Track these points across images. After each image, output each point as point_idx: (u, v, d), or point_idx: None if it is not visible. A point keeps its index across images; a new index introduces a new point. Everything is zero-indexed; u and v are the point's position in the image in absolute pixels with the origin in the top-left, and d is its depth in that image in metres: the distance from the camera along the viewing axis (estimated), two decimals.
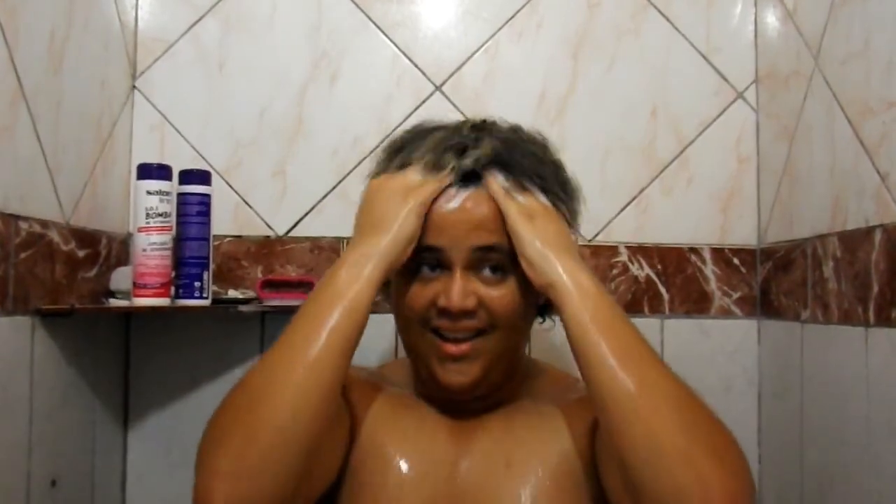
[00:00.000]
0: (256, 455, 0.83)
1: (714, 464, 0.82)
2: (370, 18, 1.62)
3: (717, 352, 1.61)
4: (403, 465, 1.03)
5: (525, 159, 1.03)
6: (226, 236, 1.58)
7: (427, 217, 0.99)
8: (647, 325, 1.60)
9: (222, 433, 0.86)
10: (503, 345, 1.03)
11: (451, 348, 1.01)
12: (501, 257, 1.01)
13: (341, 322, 0.91)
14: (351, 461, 1.05)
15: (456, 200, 1.00)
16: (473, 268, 1.01)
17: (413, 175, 1.00)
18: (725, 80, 1.63)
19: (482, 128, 1.08)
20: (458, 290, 0.99)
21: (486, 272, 1.02)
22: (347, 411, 1.04)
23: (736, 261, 1.61)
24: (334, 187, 1.60)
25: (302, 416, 0.85)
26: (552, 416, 1.07)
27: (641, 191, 1.62)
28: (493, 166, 1.01)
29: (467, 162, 1.00)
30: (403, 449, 1.05)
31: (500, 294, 1.01)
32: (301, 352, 0.89)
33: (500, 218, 0.99)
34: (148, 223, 1.31)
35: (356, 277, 0.93)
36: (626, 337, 0.90)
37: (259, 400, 0.86)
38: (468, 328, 1.01)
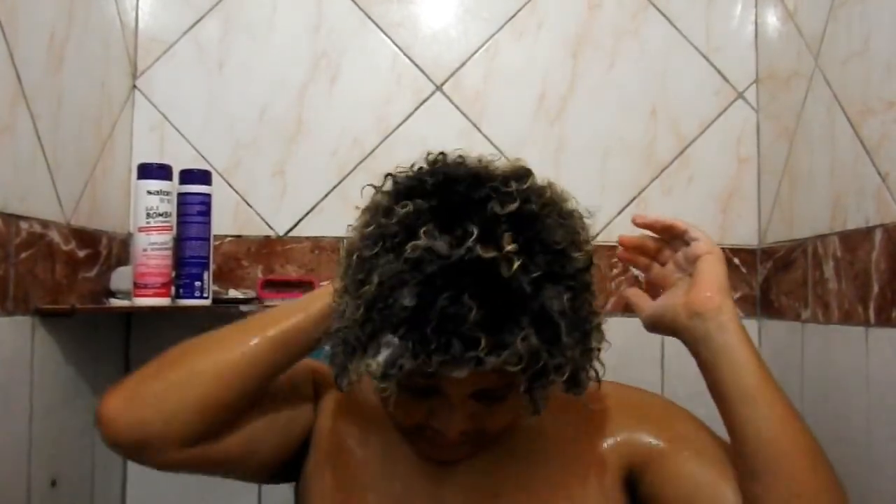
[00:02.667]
0: (164, 384, 0.90)
1: None
2: (370, 18, 1.62)
3: None
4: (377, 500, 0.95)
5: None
6: (226, 236, 1.58)
7: None
8: None
9: (145, 366, 0.93)
10: (497, 435, 0.92)
11: (442, 456, 0.93)
12: (504, 389, 0.84)
13: (295, 322, 0.93)
14: (316, 472, 0.99)
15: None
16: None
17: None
18: (726, 80, 1.63)
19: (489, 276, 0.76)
20: (457, 422, 0.85)
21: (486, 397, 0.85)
22: (312, 411, 1.00)
23: (736, 261, 1.61)
24: (334, 187, 1.60)
25: (223, 374, 0.90)
26: (543, 441, 0.97)
27: (641, 191, 1.62)
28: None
29: (462, 374, 0.76)
30: (377, 484, 0.96)
31: (501, 413, 0.88)
32: (242, 329, 0.95)
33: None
34: (148, 223, 1.31)
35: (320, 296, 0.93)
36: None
37: (190, 350, 0.94)
38: (463, 443, 0.88)
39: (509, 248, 0.75)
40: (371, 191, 0.86)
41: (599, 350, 0.87)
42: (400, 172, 0.85)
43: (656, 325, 0.97)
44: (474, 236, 0.75)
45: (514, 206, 0.78)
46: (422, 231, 0.76)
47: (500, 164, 0.85)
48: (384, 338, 0.76)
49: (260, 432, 0.95)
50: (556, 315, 0.77)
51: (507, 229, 0.77)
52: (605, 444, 0.97)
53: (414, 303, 0.74)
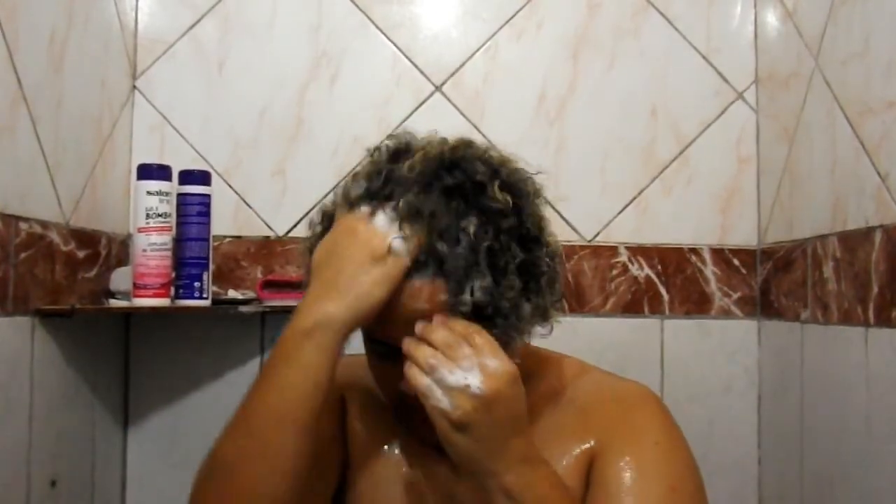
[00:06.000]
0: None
1: None
2: (370, 19, 1.62)
3: (718, 352, 1.61)
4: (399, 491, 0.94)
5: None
6: (225, 237, 1.58)
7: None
8: (647, 325, 1.60)
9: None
10: None
11: (431, 437, 0.88)
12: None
13: (306, 402, 0.82)
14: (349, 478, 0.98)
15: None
16: None
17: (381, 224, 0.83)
18: (725, 80, 1.63)
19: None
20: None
21: None
22: (340, 431, 0.98)
23: (736, 261, 1.61)
24: (334, 187, 1.59)
25: (275, 481, 0.82)
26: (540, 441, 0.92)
27: (641, 191, 1.62)
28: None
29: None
30: (398, 473, 0.95)
31: None
32: (265, 428, 0.83)
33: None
34: (148, 223, 1.31)
35: (315, 349, 0.82)
36: None
37: (232, 471, 0.84)
38: None
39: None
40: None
41: (549, 307, 0.86)
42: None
43: None
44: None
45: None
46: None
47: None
48: None
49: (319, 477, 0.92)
50: (470, 241, 0.80)
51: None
52: (591, 442, 0.91)
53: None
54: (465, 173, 0.84)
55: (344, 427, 0.99)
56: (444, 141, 0.88)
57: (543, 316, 0.87)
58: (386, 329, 0.84)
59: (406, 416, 0.91)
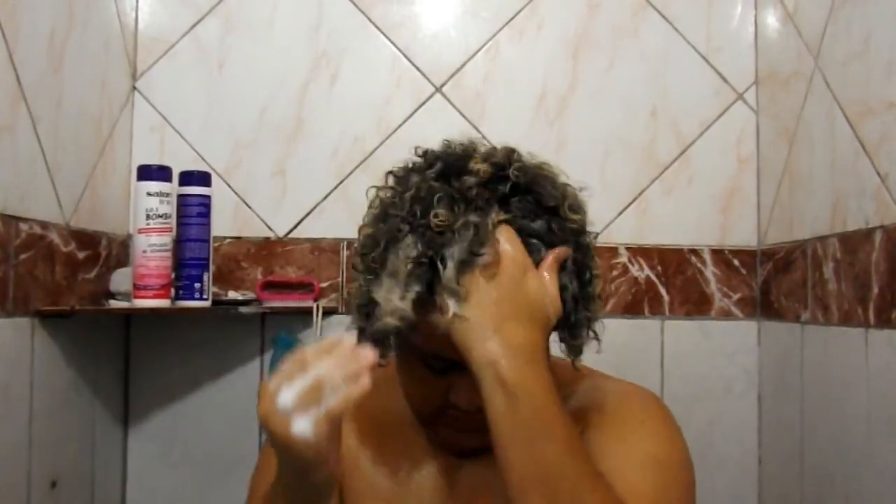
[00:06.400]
0: None
1: None
2: (370, 19, 1.62)
3: (718, 353, 1.60)
4: None
5: None
6: (226, 237, 1.58)
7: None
8: (647, 326, 1.60)
9: None
10: None
11: (462, 443, 0.91)
12: None
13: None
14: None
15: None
16: None
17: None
18: (725, 80, 1.63)
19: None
20: (476, 396, 0.82)
21: None
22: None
23: (736, 262, 1.61)
24: (334, 188, 1.60)
25: None
26: None
27: (642, 192, 1.62)
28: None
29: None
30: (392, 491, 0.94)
31: None
32: None
33: None
34: (148, 224, 1.31)
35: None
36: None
37: None
38: (483, 424, 0.84)
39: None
40: (374, 191, 0.88)
41: (594, 318, 0.90)
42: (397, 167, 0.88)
43: None
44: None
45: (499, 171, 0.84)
46: (435, 199, 0.81)
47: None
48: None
49: None
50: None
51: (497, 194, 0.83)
52: (581, 428, 0.89)
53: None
54: (536, 198, 0.85)
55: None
56: (491, 153, 0.87)
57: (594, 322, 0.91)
58: (450, 346, 0.82)
59: (436, 428, 0.91)
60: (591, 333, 0.90)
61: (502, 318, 0.80)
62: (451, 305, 0.79)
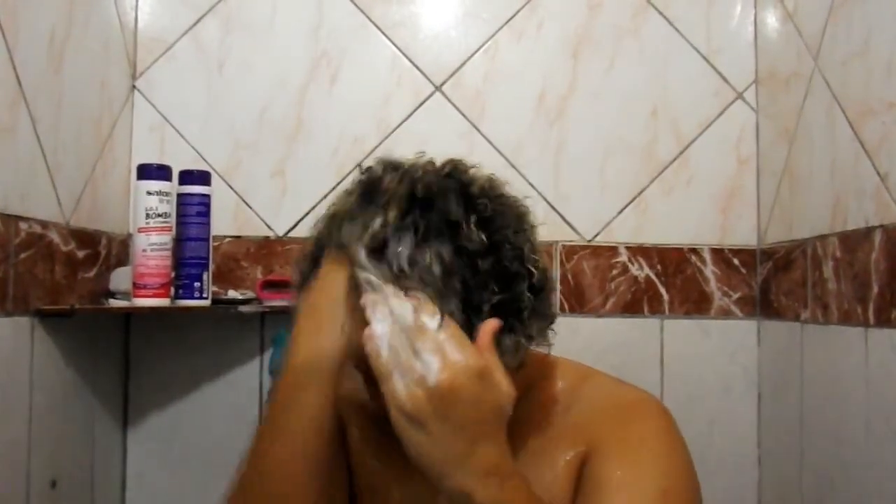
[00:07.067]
0: None
1: None
2: (370, 19, 1.62)
3: (717, 352, 1.61)
4: None
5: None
6: (225, 236, 1.58)
7: None
8: (646, 325, 1.60)
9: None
10: None
11: None
12: None
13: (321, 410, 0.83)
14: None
15: None
16: None
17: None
18: (725, 80, 1.63)
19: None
20: None
21: None
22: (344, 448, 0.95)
23: (736, 261, 1.61)
24: (334, 187, 1.60)
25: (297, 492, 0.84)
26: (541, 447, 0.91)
27: (641, 191, 1.62)
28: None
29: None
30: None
31: None
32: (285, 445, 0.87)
33: None
34: (148, 223, 1.31)
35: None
36: None
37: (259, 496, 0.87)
38: None
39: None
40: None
41: (535, 336, 0.83)
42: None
43: None
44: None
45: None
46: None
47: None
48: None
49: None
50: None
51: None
52: (584, 446, 0.88)
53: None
54: (439, 212, 0.79)
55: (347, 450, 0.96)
56: (427, 165, 0.85)
57: (525, 346, 0.82)
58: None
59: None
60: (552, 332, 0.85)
61: (470, 442, 0.71)
62: (413, 435, 0.71)
